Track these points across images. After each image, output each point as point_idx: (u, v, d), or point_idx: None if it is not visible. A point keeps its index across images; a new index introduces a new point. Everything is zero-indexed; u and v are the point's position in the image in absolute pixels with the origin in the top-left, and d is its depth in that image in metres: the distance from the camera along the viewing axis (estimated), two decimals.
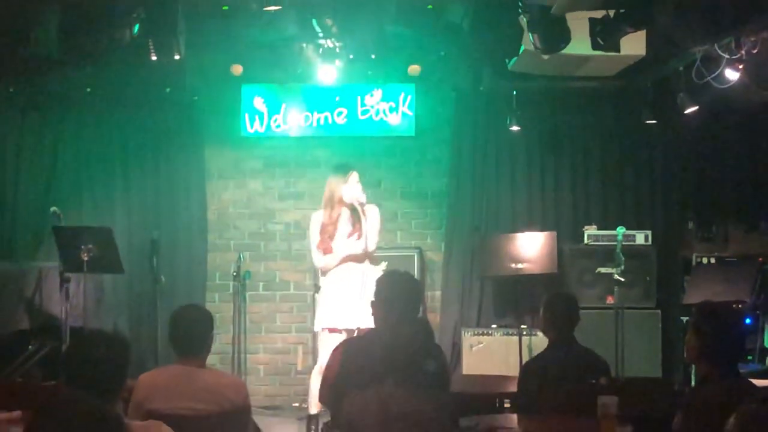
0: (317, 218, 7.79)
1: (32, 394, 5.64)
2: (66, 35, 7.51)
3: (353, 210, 7.62)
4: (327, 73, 9.07)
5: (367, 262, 7.63)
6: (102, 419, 2.73)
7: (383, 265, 7.85)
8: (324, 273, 7.84)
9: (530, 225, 10.01)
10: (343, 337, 7.43)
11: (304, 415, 8.45)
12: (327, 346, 7.55)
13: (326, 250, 7.69)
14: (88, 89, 9.76)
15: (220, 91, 10.08)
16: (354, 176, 7.70)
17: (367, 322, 7.29)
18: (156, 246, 8.98)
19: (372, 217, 7.68)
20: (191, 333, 5.01)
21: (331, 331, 7.59)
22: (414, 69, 9.79)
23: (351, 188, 7.64)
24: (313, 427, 7.87)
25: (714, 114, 9.59)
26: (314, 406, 7.82)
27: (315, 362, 8.04)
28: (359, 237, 7.60)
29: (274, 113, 10.15)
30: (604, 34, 7.05)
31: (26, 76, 8.98)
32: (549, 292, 6.22)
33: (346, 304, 7.53)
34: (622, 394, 5.28)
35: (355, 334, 7.37)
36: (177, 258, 10.05)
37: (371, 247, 7.61)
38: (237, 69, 9.64)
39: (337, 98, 10.14)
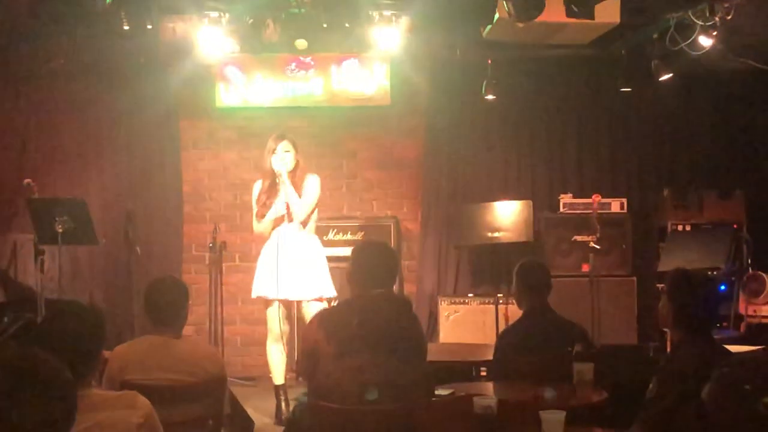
0: (256, 187, 8.00)
1: None
2: (39, 5, 7.44)
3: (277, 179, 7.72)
4: (301, 42, 9.02)
5: (298, 231, 7.77)
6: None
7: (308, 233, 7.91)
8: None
9: (506, 194, 10.02)
10: (276, 304, 7.73)
11: None
12: (269, 314, 7.83)
13: (261, 218, 7.87)
14: (61, 60, 9.68)
15: (194, 61, 10.01)
16: (282, 145, 7.77)
17: (294, 293, 7.47)
18: (131, 217, 8.94)
19: (308, 186, 7.80)
20: (166, 304, 5.00)
21: (264, 300, 7.86)
22: (389, 38, 9.74)
23: (277, 158, 7.72)
24: (282, 397, 7.90)
25: (688, 81, 9.62)
26: (278, 377, 7.88)
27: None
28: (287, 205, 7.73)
29: (248, 83, 10.10)
30: (579, 2, 7.04)
31: None
32: (519, 262, 6.16)
33: (274, 274, 7.69)
34: (597, 361, 5.32)
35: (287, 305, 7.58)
36: (152, 229, 10.03)
37: (298, 216, 7.70)
38: (211, 38, 9.58)
39: (312, 68, 10.09)
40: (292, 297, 7.68)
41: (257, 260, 8.06)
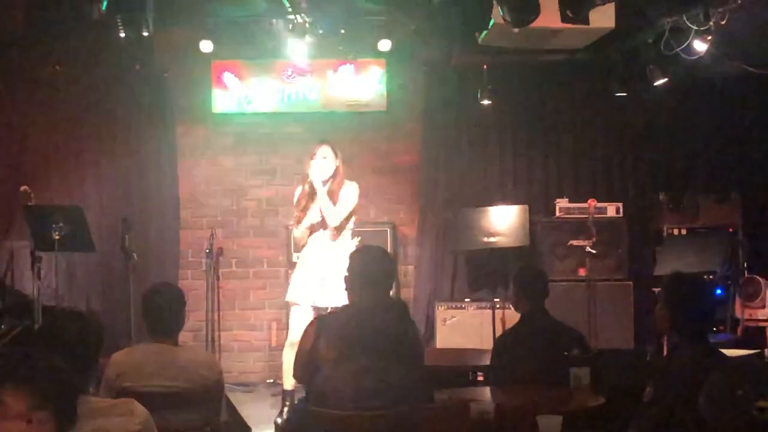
0: (297, 192, 7.91)
1: None
2: (35, 12, 7.45)
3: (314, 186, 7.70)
4: (297, 48, 9.03)
5: (332, 239, 7.72)
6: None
7: (355, 241, 7.87)
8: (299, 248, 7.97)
9: (502, 198, 10.03)
10: (306, 311, 7.58)
11: (278, 392, 8.48)
12: (294, 319, 7.72)
13: (298, 223, 7.81)
14: (57, 67, 9.69)
15: (190, 67, 10.03)
16: (320, 151, 7.74)
17: (325, 300, 7.41)
18: (128, 224, 8.93)
19: (344, 194, 7.73)
20: (163, 312, 5.01)
21: (294, 304, 7.78)
22: (384, 44, 9.76)
23: (315, 163, 7.70)
24: (288, 402, 7.88)
25: (683, 85, 9.64)
26: (288, 382, 7.85)
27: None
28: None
29: (245, 90, 10.10)
30: (574, 7, 7.05)
31: None
32: (518, 267, 6.23)
33: (308, 281, 7.65)
34: (594, 366, 5.33)
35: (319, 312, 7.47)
36: (149, 236, 10.03)
37: (331, 224, 7.66)
38: (207, 45, 9.57)
39: (309, 74, 10.10)
40: (320, 303, 7.57)
41: (295, 266, 8.03)
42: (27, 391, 2.77)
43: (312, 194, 7.72)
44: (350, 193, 7.77)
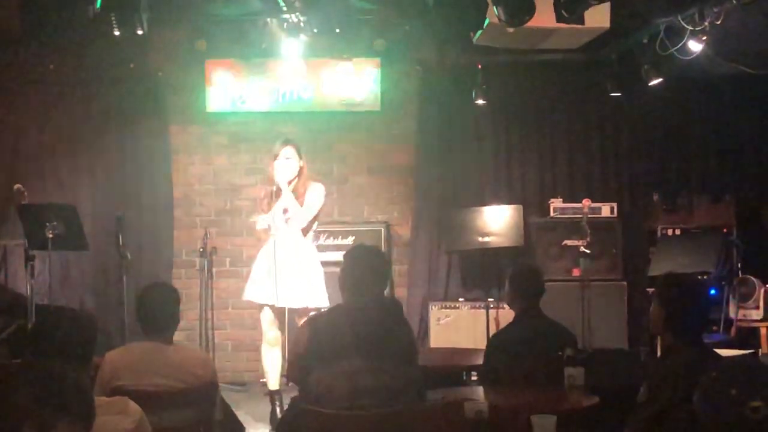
0: (261, 194, 8.01)
1: None
2: (28, 11, 7.44)
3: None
4: (292, 47, 9.02)
5: (295, 238, 7.76)
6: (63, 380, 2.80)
7: (315, 242, 7.92)
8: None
9: (496, 198, 10.04)
10: (268, 309, 7.72)
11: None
12: (262, 318, 7.84)
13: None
14: (51, 66, 9.68)
15: (184, 66, 10.01)
16: (284, 151, 7.77)
17: (286, 300, 7.42)
18: (121, 223, 8.91)
19: (310, 195, 7.77)
20: (158, 311, 5.00)
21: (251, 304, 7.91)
22: (379, 43, 9.75)
23: (278, 164, 7.73)
24: (277, 402, 7.88)
25: (678, 85, 9.65)
26: (273, 382, 7.86)
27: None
28: (285, 211, 7.72)
29: (238, 89, 10.09)
30: (569, 7, 7.05)
31: None
32: (511, 266, 6.23)
33: (267, 280, 7.68)
34: (588, 366, 5.33)
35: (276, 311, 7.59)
36: (143, 235, 10.01)
37: (298, 225, 7.72)
38: (201, 44, 9.55)
39: (303, 73, 10.09)
40: (280, 304, 7.58)
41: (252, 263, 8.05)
42: (81, 428, 2.85)
43: (275, 195, 7.73)
44: (315, 193, 7.79)
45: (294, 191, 7.67)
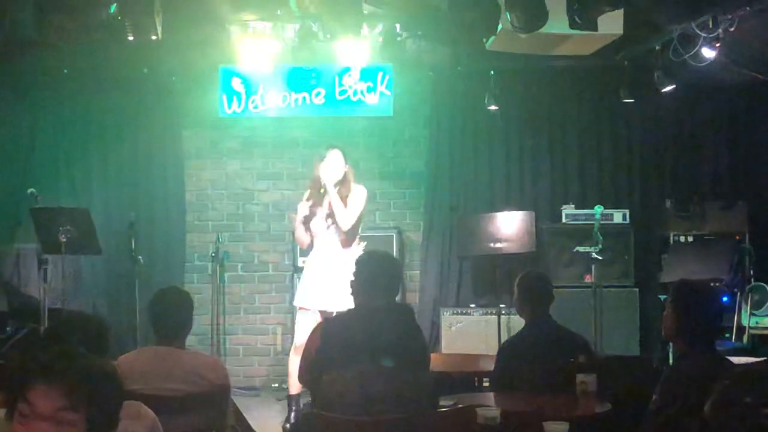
0: (305, 195, 7.99)
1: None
2: (42, 15, 7.45)
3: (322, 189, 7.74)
4: (304, 53, 9.03)
5: (342, 246, 7.74)
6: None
7: (362, 246, 7.88)
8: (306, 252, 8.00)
9: (508, 204, 10.03)
10: (312, 315, 7.58)
11: (283, 396, 8.48)
12: (300, 324, 7.73)
13: (299, 226, 7.87)
14: (65, 70, 9.70)
15: (198, 71, 10.03)
16: (331, 155, 7.80)
17: (333, 305, 7.38)
18: (134, 227, 8.93)
19: (354, 198, 7.78)
20: (171, 315, 5.01)
21: (301, 309, 7.78)
22: (392, 48, 9.73)
23: (325, 167, 7.75)
24: (294, 406, 7.89)
25: (691, 92, 9.63)
26: (294, 386, 7.84)
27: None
28: (328, 217, 7.74)
29: (251, 94, 10.08)
30: (582, 13, 7.04)
31: (2, 57, 8.91)
32: (521, 272, 6.22)
33: (316, 285, 7.67)
34: (600, 372, 5.32)
35: (326, 316, 7.44)
36: (155, 239, 10.03)
37: (344, 226, 7.71)
38: (214, 49, 9.55)
39: (315, 78, 10.09)
40: (328, 308, 7.51)
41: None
42: (60, 390, 2.58)
43: (320, 198, 7.75)
44: (359, 196, 7.81)
45: (338, 194, 7.70)
